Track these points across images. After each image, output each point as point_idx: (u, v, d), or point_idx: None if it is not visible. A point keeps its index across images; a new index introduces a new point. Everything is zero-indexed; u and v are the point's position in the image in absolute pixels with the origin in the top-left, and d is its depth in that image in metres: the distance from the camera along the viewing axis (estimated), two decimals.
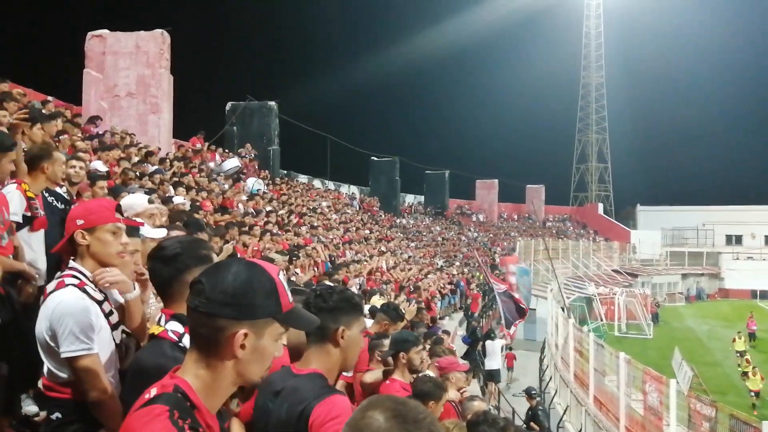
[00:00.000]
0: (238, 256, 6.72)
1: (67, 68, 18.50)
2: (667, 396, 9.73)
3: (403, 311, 5.48)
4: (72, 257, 2.38)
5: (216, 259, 2.09)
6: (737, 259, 47.89)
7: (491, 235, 43.34)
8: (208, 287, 1.28)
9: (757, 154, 74.59)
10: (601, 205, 58.91)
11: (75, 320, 2.15)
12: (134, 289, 2.42)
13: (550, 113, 76.57)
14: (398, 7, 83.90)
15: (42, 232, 3.68)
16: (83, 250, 2.34)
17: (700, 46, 79.43)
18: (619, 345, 18.90)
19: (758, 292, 42.18)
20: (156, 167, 11.19)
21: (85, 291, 2.25)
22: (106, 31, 16.31)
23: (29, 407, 3.05)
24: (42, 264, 3.60)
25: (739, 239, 51.46)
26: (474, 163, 65.25)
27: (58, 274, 2.33)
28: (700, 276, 46.44)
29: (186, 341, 1.87)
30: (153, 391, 1.27)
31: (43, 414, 3.46)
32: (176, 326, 1.91)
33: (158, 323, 1.96)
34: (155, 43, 16.17)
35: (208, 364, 1.29)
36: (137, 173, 9.24)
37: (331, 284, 2.05)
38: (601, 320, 28.65)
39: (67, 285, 2.23)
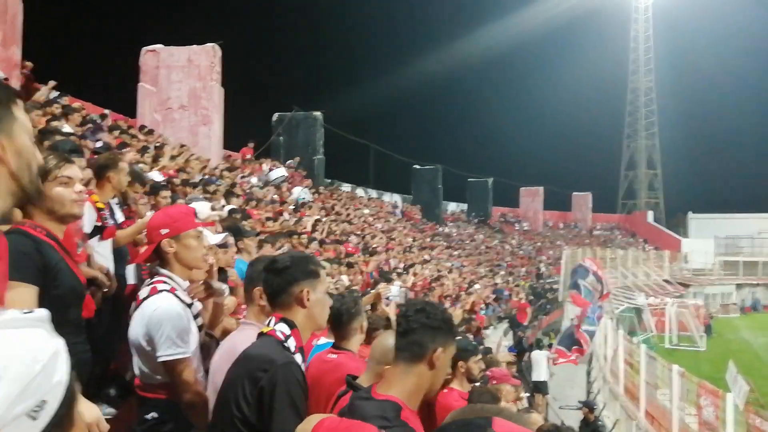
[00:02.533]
0: None
1: (123, 82, 19.23)
2: (724, 410, 9.41)
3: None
4: (159, 264, 2.50)
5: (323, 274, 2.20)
6: None
7: (536, 244, 42.75)
8: None
9: None
10: (651, 213, 57.25)
11: (172, 325, 2.28)
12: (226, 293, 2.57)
13: (596, 119, 75.07)
14: (440, 13, 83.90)
15: (110, 240, 3.87)
16: (171, 257, 2.45)
17: (752, 49, 76.66)
18: (671, 357, 18.35)
19: None
20: (208, 177, 11.55)
21: (177, 296, 2.38)
22: (159, 45, 16.91)
23: (106, 410, 3.21)
24: (111, 271, 3.79)
25: None
26: (518, 170, 64.26)
27: (149, 280, 2.46)
28: (756, 286, 44.64)
29: (290, 343, 2.01)
30: None
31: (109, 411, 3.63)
32: (284, 328, 2.04)
33: (268, 324, 2.10)
34: (206, 56, 16.67)
35: None
36: (189, 182, 9.57)
37: (428, 301, 2.00)
38: (651, 332, 27.85)
39: (161, 291, 2.36)
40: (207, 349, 2.52)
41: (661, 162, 63.15)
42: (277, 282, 2.12)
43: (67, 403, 0.77)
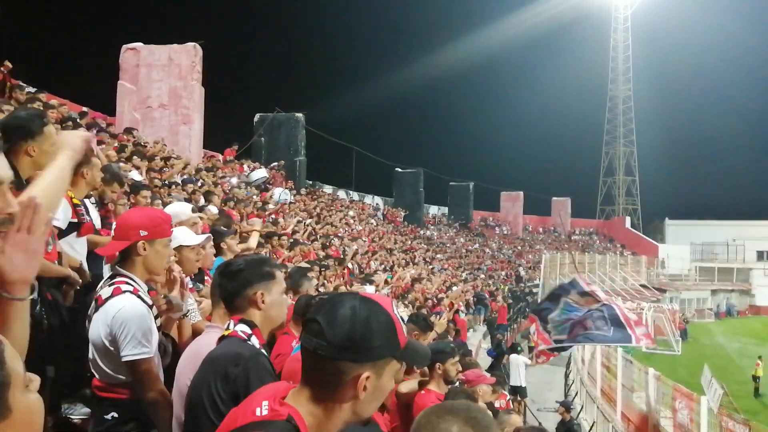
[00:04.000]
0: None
1: (103, 80, 18.99)
2: (698, 414, 9.54)
3: (432, 322, 5.51)
4: (117, 263, 2.46)
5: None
6: None
7: (516, 248, 43.04)
8: (327, 329, 1.22)
9: None
10: (628, 219, 58.05)
11: (137, 325, 2.26)
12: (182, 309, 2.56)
13: (576, 126, 76.08)
14: (423, 20, 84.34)
15: (86, 237, 3.78)
16: (138, 259, 2.42)
17: (728, 58, 78.35)
18: (647, 361, 18.57)
19: None
20: (187, 176, 11.43)
21: (140, 297, 2.35)
22: (140, 44, 16.73)
23: (82, 409, 3.15)
24: (84, 264, 3.71)
25: None
26: (499, 174, 65.00)
27: (109, 280, 2.42)
28: (730, 292, 45.46)
29: (254, 341, 2.00)
30: (264, 408, 1.26)
31: (85, 411, 3.57)
32: (244, 328, 2.03)
33: (227, 328, 2.08)
34: (187, 55, 16.54)
35: (326, 405, 1.25)
36: (166, 183, 9.47)
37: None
38: None
39: (124, 291, 2.32)
40: (163, 347, 2.50)
41: (639, 169, 64.12)
42: (231, 286, 2.12)
43: None
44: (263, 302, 2.08)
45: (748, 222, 52.61)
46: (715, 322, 39.94)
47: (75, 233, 3.68)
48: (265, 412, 1.25)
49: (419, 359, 1.40)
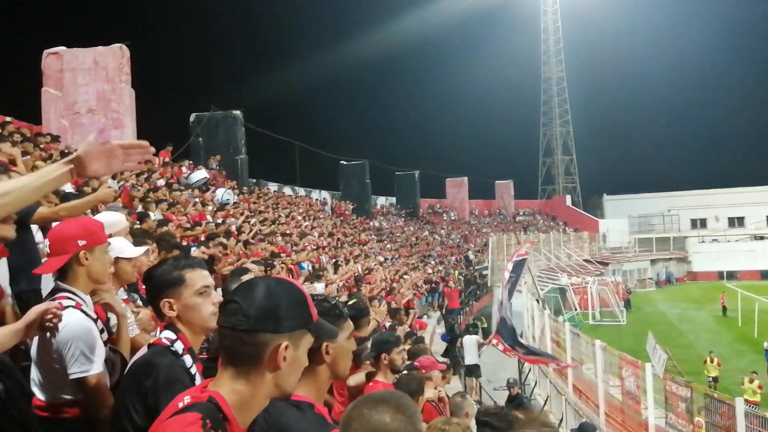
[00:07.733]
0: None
1: (25, 88, 18.10)
2: (644, 380, 9.95)
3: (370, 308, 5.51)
4: (59, 277, 2.36)
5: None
6: (703, 242, 49.25)
7: (464, 233, 43.68)
8: (245, 305, 1.30)
9: (716, 139, 77.13)
10: (568, 197, 59.84)
11: (83, 341, 2.20)
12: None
13: (514, 109, 77.52)
14: (354, 5, 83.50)
15: (4, 259, 3.58)
16: (80, 270, 2.34)
17: (656, 34, 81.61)
18: (594, 333, 19.23)
19: (725, 273, 43.37)
20: (122, 183, 11.03)
21: (83, 311, 2.27)
22: (62, 48, 16.00)
23: None
24: (7, 290, 3.52)
25: (703, 222, 52.92)
26: (443, 161, 65.71)
27: (51, 296, 2.33)
28: (669, 261, 47.58)
29: (177, 346, 1.97)
30: (186, 399, 1.30)
31: None
32: (169, 334, 2.02)
33: (155, 335, 2.07)
34: (114, 57, 15.92)
35: (248, 379, 1.31)
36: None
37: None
38: (576, 310, 29.09)
39: (66, 307, 2.23)
40: (111, 363, 2.41)
41: (576, 148, 66.14)
42: (147, 298, 2.13)
43: None
44: (172, 309, 2.04)
45: (680, 193, 55.21)
46: (656, 290, 41.76)
47: None
48: (187, 399, 1.30)
49: (328, 333, 1.52)
